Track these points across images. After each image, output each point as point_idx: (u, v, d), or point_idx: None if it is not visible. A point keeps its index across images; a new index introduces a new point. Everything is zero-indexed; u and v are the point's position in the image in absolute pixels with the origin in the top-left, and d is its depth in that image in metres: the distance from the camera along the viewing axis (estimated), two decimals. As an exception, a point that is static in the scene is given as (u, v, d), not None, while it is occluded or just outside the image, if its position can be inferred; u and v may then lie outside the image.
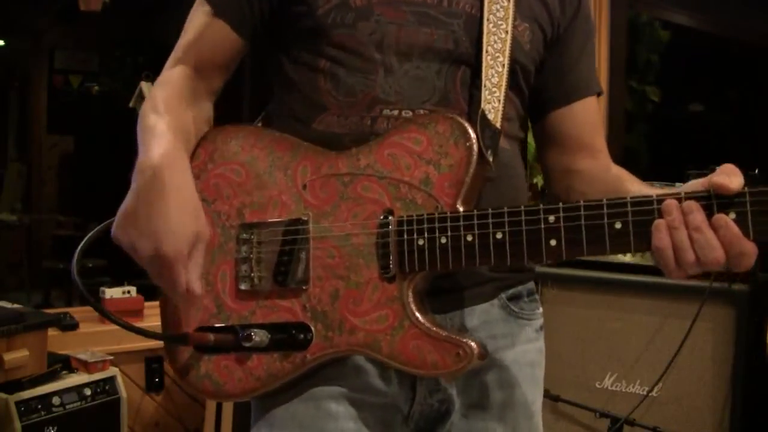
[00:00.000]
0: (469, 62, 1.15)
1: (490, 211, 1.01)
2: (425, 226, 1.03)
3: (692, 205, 0.92)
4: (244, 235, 1.14)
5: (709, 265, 0.93)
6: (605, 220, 0.95)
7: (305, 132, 1.15)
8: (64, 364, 2.53)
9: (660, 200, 0.94)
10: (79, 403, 2.47)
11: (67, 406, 2.44)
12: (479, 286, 1.17)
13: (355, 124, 1.13)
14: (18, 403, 2.32)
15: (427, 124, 1.07)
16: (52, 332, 2.61)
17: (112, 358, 2.65)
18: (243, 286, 1.13)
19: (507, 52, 1.15)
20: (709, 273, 2.30)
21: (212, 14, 1.18)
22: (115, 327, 3.25)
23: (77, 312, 2.97)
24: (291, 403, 1.13)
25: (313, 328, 1.08)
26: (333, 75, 1.14)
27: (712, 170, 2.72)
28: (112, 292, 2.92)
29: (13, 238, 6.14)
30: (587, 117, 1.27)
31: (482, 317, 1.18)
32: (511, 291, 1.22)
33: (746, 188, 0.92)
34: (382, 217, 1.06)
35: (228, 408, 2.83)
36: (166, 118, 1.10)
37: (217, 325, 1.14)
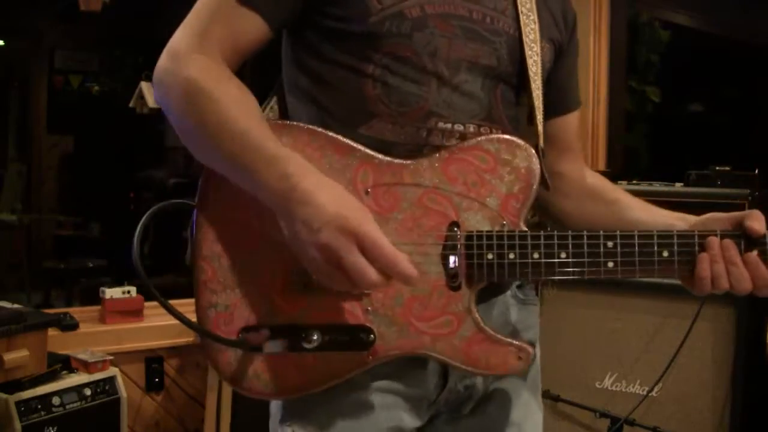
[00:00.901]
0: (508, 80, 1.21)
1: (555, 233, 1.11)
2: (495, 242, 1.11)
3: (730, 243, 1.12)
4: None
5: (738, 292, 1.15)
6: (655, 248, 1.12)
7: (350, 135, 1.14)
8: (64, 364, 2.53)
9: (702, 236, 1.13)
10: (79, 403, 2.47)
11: (67, 406, 2.44)
12: None
13: (410, 135, 1.15)
14: (18, 403, 2.32)
15: (494, 143, 1.13)
16: (52, 332, 2.61)
17: (112, 358, 2.65)
18: (298, 287, 1.12)
19: (540, 73, 1.23)
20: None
21: (242, 2, 1.14)
22: (115, 327, 3.23)
23: (77, 312, 2.97)
24: (328, 393, 1.15)
25: (375, 330, 1.11)
26: (384, 82, 1.15)
27: (713, 170, 2.71)
28: (112, 292, 2.93)
29: (13, 238, 6.14)
30: (574, 125, 1.40)
31: (501, 307, 1.27)
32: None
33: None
34: (449, 229, 1.11)
35: (227, 408, 2.83)
36: (251, 121, 1.09)
37: (269, 324, 1.12)
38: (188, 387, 3.11)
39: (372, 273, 1.00)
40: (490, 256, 1.10)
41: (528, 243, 1.10)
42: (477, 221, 1.11)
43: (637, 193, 1.37)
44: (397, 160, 1.12)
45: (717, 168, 2.52)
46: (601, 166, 3.37)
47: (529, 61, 1.21)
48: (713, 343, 2.32)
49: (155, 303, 3.13)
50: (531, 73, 1.20)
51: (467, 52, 1.17)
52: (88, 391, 2.50)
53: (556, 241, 1.11)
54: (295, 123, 1.16)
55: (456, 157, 1.12)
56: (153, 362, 3.00)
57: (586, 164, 1.43)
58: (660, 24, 5.14)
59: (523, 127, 1.23)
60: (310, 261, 1.03)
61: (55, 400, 2.41)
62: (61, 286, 5.48)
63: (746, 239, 1.13)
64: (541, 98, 1.22)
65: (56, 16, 6.10)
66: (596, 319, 2.53)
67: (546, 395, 2.57)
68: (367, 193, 1.12)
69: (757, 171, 2.49)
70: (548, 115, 1.31)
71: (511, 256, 1.10)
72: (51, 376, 2.45)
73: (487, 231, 1.11)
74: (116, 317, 2.94)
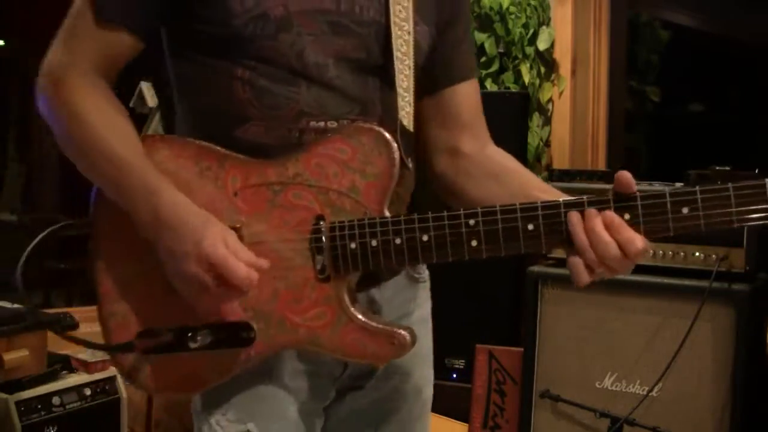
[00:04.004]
0: (378, 71, 1.22)
1: (416, 216, 1.11)
2: (356, 231, 1.12)
3: (590, 212, 1.07)
4: None
5: (611, 263, 1.06)
6: (519, 223, 1.08)
7: (225, 140, 1.17)
8: (64, 364, 2.53)
9: (567, 204, 1.08)
10: (79, 403, 2.47)
11: (67, 406, 2.44)
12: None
13: (282, 137, 1.17)
14: (18, 403, 2.32)
15: (352, 134, 1.14)
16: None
17: (112, 358, 2.65)
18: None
19: (411, 54, 1.22)
20: (709, 273, 2.30)
21: (102, 14, 1.16)
22: (115, 327, 3.17)
23: (77, 312, 2.96)
24: (245, 381, 1.20)
25: (255, 327, 1.13)
26: (253, 85, 1.16)
27: (713, 170, 2.72)
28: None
29: (13, 238, 6.14)
30: (468, 99, 1.35)
31: (393, 287, 1.30)
32: None
33: (638, 193, 1.08)
34: (314, 223, 1.14)
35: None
36: (122, 146, 1.15)
37: (159, 327, 1.16)
38: (188, 387, 3.11)
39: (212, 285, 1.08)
40: (353, 246, 1.12)
41: (389, 229, 1.11)
42: (340, 212, 1.13)
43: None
44: (265, 161, 1.15)
45: (717, 168, 2.52)
46: (601, 165, 3.37)
47: (397, 43, 1.20)
48: (713, 343, 2.32)
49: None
50: (398, 58, 1.20)
51: (336, 48, 1.17)
52: (88, 391, 2.50)
53: (417, 225, 1.11)
54: (168, 135, 1.24)
55: (316, 152, 1.14)
56: (153, 362, 3.00)
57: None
58: (660, 24, 5.15)
59: (395, 114, 1.22)
60: (180, 287, 1.12)
61: (55, 400, 2.41)
62: (61, 286, 5.48)
63: (616, 203, 1.09)
64: (410, 81, 1.22)
65: (56, 17, 6.11)
66: (596, 319, 2.53)
67: (546, 395, 2.57)
68: (235, 194, 1.15)
69: (757, 171, 2.49)
70: (436, 87, 1.32)
71: (374, 243, 1.11)
72: (51, 376, 2.45)
73: (349, 221, 1.12)
74: (116, 317, 2.94)
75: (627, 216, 1.07)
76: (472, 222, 1.09)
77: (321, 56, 1.17)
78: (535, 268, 2.63)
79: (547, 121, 3.41)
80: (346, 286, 1.14)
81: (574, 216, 1.07)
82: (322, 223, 1.14)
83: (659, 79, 5.13)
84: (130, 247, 1.18)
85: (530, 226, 1.08)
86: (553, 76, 3.39)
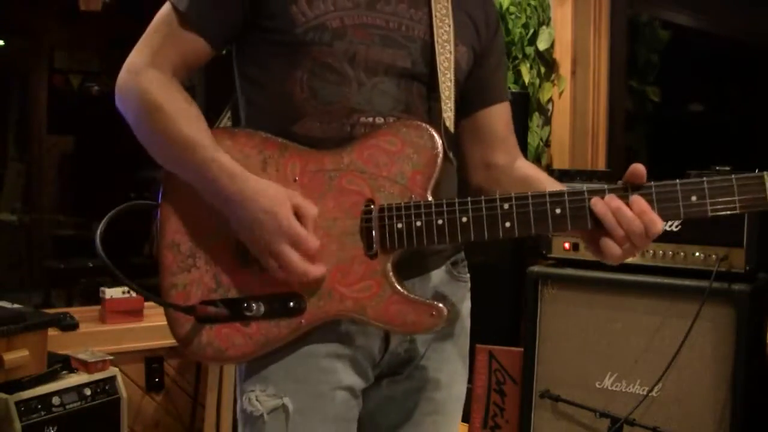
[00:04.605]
0: (422, 79, 1.36)
1: (456, 200, 1.24)
2: (403, 213, 1.25)
3: (611, 195, 1.21)
4: None
5: (636, 240, 1.19)
6: (548, 207, 1.21)
7: (285, 134, 1.31)
8: (64, 364, 2.53)
9: (590, 191, 1.21)
10: (79, 403, 2.47)
11: (67, 406, 2.44)
12: (432, 256, 1.41)
13: (336, 130, 1.30)
14: (18, 403, 2.32)
15: (400, 128, 1.28)
16: (52, 332, 2.61)
17: (112, 358, 2.65)
18: (240, 265, 1.29)
19: (452, 69, 1.37)
20: (709, 273, 2.30)
21: (186, 24, 1.30)
22: (115, 327, 3.25)
23: (77, 312, 2.97)
24: (285, 360, 1.31)
25: (306, 298, 1.27)
26: (310, 86, 1.31)
27: (713, 170, 2.73)
28: (111, 292, 2.93)
29: (13, 238, 6.13)
30: (501, 119, 1.51)
31: (435, 281, 1.41)
32: (452, 258, 1.46)
33: (651, 182, 1.22)
34: (365, 205, 1.27)
35: (227, 408, 2.83)
36: (191, 128, 1.27)
37: (217, 298, 1.29)
38: (188, 387, 3.11)
39: (296, 260, 1.21)
40: (399, 225, 1.25)
41: (432, 211, 1.24)
42: (389, 196, 1.27)
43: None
44: (322, 151, 1.29)
45: (717, 168, 2.52)
46: (601, 165, 3.37)
47: (440, 58, 1.34)
48: (713, 343, 2.33)
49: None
50: (441, 71, 1.34)
51: (384, 57, 1.32)
52: (88, 391, 2.51)
53: (457, 207, 1.24)
54: (235, 128, 1.37)
55: (368, 143, 1.28)
56: (153, 362, 3.00)
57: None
58: (660, 24, 5.14)
59: (439, 116, 1.36)
60: (253, 250, 1.24)
61: (55, 400, 2.41)
62: (61, 286, 5.47)
63: (633, 191, 1.21)
64: (452, 91, 1.35)
65: (56, 16, 6.10)
66: (596, 319, 2.53)
67: (546, 395, 2.57)
68: (294, 180, 1.29)
69: (757, 171, 2.49)
70: (472, 108, 1.48)
71: (418, 223, 1.25)
72: (51, 376, 2.45)
73: (396, 203, 1.26)
74: (116, 317, 2.95)
75: (642, 199, 1.20)
76: (506, 206, 1.22)
77: (371, 62, 1.31)
78: (535, 268, 2.63)
79: (547, 121, 3.41)
80: (391, 262, 1.26)
81: (599, 201, 1.20)
82: (372, 205, 1.26)
83: (659, 79, 5.12)
84: (196, 224, 1.32)
85: (558, 210, 1.21)
86: (553, 76, 3.39)
